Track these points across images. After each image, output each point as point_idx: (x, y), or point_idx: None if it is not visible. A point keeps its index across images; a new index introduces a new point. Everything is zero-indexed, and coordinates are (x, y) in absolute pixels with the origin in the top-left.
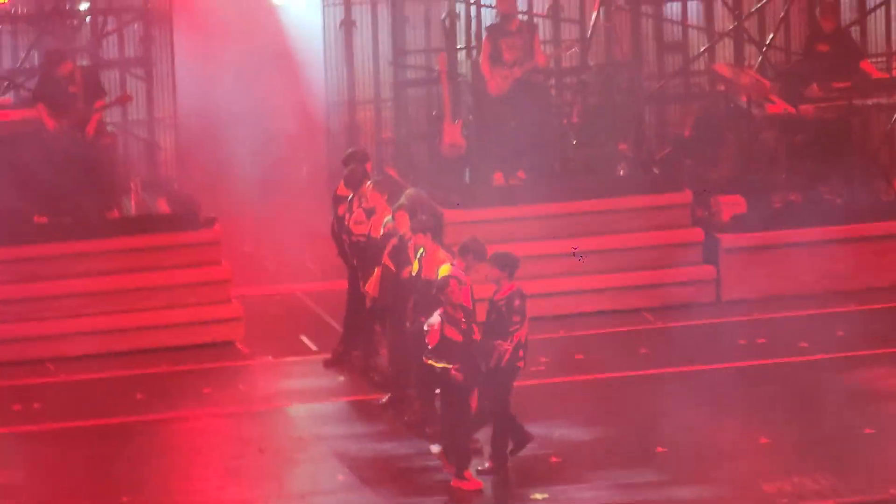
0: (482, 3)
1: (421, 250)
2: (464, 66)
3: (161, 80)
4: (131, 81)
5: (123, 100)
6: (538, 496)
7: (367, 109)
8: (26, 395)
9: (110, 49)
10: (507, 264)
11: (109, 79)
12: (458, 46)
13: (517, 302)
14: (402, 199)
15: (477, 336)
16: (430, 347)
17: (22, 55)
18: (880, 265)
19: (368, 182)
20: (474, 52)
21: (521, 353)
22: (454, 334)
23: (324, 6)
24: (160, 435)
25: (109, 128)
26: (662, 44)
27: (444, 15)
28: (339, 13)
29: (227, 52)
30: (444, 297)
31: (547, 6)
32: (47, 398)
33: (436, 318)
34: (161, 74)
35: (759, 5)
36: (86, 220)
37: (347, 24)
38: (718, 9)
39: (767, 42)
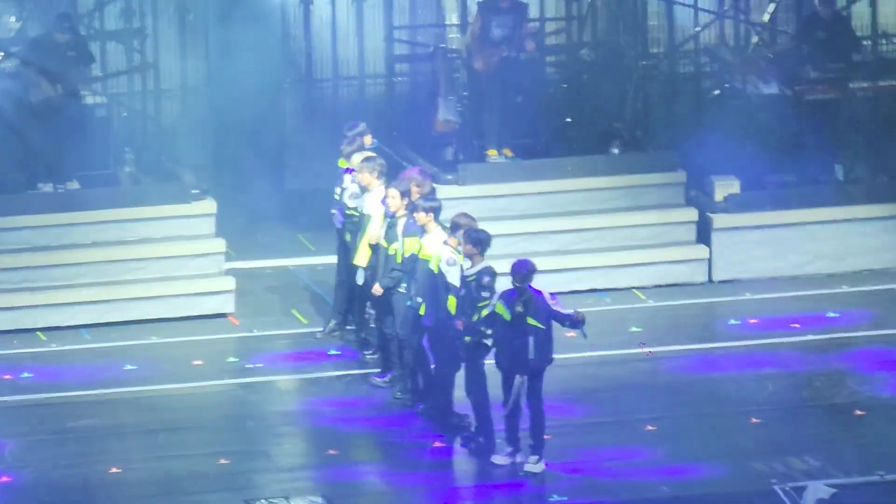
0: None
1: (420, 228)
2: (456, 42)
3: (162, 52)
4: (130, 53)
5: (142, 67)
6: (532, 470)
7: (352, 87)
8: (18, 366)
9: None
10: (480, 241)
11: (108, 49)
12: (450, 23)
13: (486, 279)
14: (402, 180)
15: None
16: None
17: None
18: (872, 247)
19: (362, 157)
20: (467, 29)
21: (488, 331)
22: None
23: None
24: (150, 407)
25: (105, 99)
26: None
27: None
28: None
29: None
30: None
31: None
32: (39, 368)
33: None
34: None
35: None
36: (81, 190)
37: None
38: None
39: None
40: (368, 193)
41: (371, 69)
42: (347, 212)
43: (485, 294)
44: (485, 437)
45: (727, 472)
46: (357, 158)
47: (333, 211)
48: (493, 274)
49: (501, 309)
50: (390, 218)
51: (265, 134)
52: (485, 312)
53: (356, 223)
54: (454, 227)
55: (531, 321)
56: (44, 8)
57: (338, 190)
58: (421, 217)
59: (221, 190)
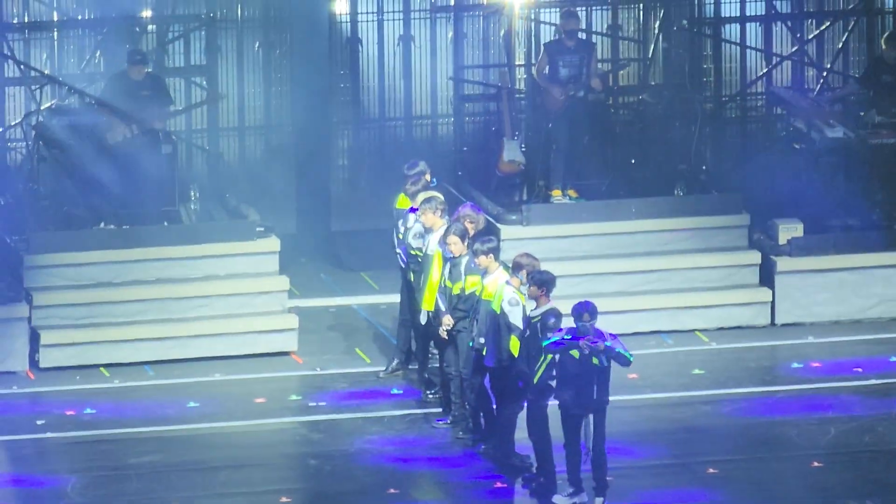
0: (541, 19)
1: (482, 270)
2: (522, 82)
3: (224, 90)
4: (194, 90)
5: (214, 99)
6: None
7: (424, 125)
8: (81, 401)
9: (175, 57)
10: (545, 282)
11: (172, 86)
12: (518, 63)
13: (552, 320)
14: (457, 222)
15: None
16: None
17: (85, 59)
18: None
19: (424, 196)
20: (533, 69)
21: (554, 371)
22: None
23: (383, 21)
24: (212, 444)
25: (172, 136)
26: (721, 65)
27: (502, 31)
28: (398, 28)
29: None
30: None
31: (606, 25)
32: (101, 404)
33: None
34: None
35: (818, 31)
36: (146, 227)
37: (406, 40)
38: (778, 31)
39: (828, 66)
40: (433, 233)
41: (441, 108)
42: (412, 252)
43: (549, 337)
44: (546, 477)
45: None
46: (420, 198)
47: (398, 250)
48: (558, 315)
49: (573, 350)
50: (452, 257)
51: (321, 172)
52: (550, 357)
53: (420, 263)
54: (516, 268)
55: (595, 361)
56: (113, 45)
57: (401, 229)
58: (482, 260)
59: (282, 229)
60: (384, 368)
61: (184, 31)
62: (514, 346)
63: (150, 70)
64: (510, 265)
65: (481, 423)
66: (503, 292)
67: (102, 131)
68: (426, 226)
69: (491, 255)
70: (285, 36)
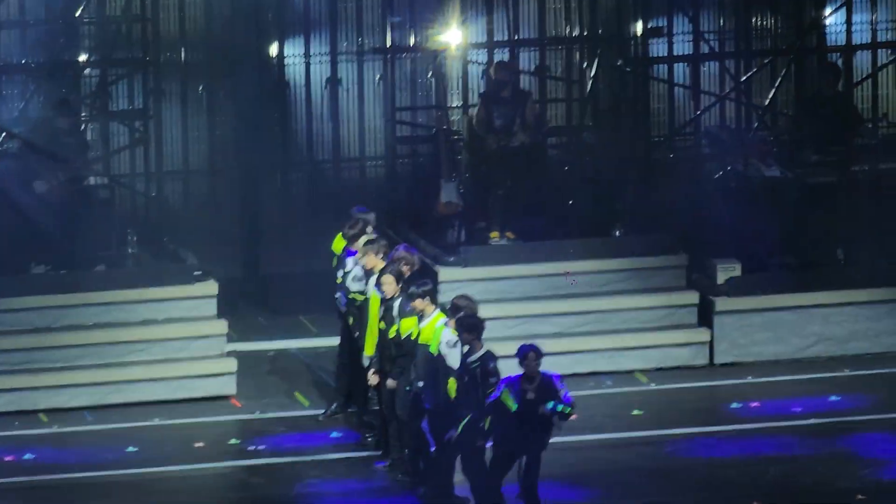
0: (469, 59)
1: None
2: (457, 124)
3: (165, 132)
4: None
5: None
6: None
7: (353, 169)
8: (20, 447)
9: (119, 101)
10: (475, 326)
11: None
12: (452, 105)
13: (491, 365)
14: (392, 263)
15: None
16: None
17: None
18: (874, 330)
19: (364, 239)
20: (470, 110)
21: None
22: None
23: (308, 64)
24: (152, 490)
25: (106, 180)
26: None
27: (430, 74)
28: (325, 70)
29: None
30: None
31: (534, 66)
32: (41, 450)
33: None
34: (166, 127)
35: (752, 72)
36: (83, 272)
37: (333, 82)
38: (706, 70)
39: (766, 104)
40: (373, 276)
41: (371, 151)
42: (350, 295)
43: (492, 380)
44: None
45: None
46: (361, 241)
47: (337, 294)
48: (494, 358)
49: (507, 398)
50: (387, 300)
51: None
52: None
53: (359, 307)
54: (454, 310)
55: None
56: (46, 89)
57: (340, 273)
58: (418, 304)
59: (221, 272)
60: (324, 412)
61: (127, 73)
62: (452, 388)
63: (73, 118)
64: (448, 307)
65: (420, 465)
66: (440, 335)
67: (30, 179)
68: (367, 268)
69: (427, 297)
70: (227, 79)
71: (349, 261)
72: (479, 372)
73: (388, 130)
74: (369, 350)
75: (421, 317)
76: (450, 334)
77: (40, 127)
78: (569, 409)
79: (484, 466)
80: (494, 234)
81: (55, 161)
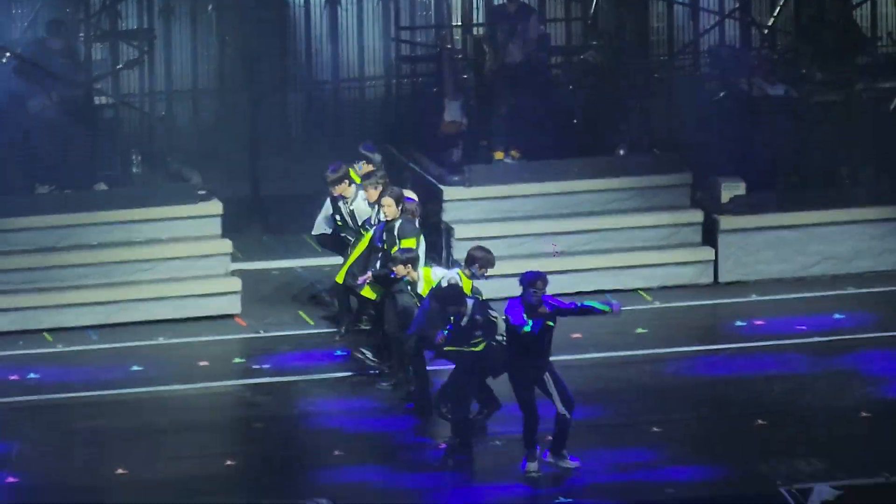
0: None
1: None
2: (462, 42)
3: (174, 52)
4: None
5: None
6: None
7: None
8: (24, 366)
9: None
10: (455, 298)
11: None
12: (455, 23)
13: (479, 318)
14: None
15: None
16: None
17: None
18: (878, 249)
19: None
20: (474, 30)
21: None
22: None
23: None
24: (157, 408)
25: (110, 100)
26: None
27: None
28: None
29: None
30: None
31: None
32: (45, 369)
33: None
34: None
35: None
36: (87, 191)
37: (332, 1)
38: None
39: (770, 24)
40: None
41: (371, 71)
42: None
43: (477, 333)
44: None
45: (732, 474)
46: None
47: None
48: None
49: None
50: (386, 221)
51: (266, 136)
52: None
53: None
54: (469, 260)
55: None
56: (52, 8)
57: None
58: (400, 270)
59: (228, 191)
60: (338, 331)
61: None
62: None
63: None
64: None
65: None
66: (440, 282)
67: (24, 99)
68: (371, 201)
69: (409, 265)
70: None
71: (342, 206)
72: (468, 325)
73: (391, 50)
74: (339, 279)
75: (413, 285)
76: (450, 279)
77: (33, 46)
78: (606, 307)
79: (470, 400)
80: (499, 154)
81: (48, 80)
